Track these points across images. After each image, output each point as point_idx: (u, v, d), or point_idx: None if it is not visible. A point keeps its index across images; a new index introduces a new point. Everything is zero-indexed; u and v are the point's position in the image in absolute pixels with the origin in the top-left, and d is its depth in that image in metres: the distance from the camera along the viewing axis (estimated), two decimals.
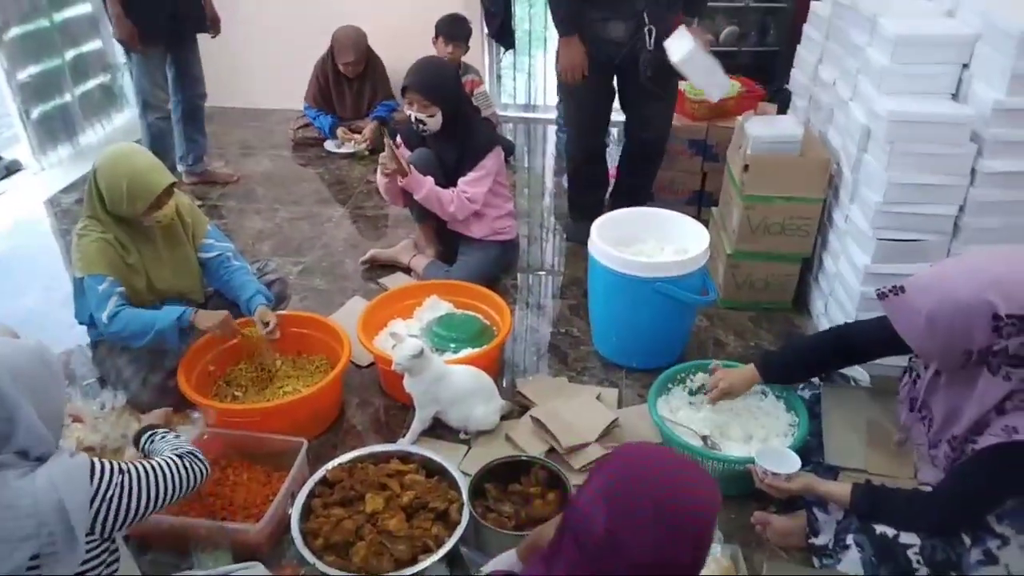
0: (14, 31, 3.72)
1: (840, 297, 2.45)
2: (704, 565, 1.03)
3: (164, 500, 1.45)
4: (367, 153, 4.10)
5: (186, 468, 1.52)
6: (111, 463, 1.39)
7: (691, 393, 2.17)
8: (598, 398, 2.29)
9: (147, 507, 1.41)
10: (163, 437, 1.69)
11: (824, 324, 2.57)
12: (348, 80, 4.20)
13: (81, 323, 2.42)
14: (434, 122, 2.70)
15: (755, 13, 4.05)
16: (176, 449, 1.59)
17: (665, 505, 0.98)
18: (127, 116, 4.59)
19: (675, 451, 1.16)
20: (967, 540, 1.56)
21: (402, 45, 4.12)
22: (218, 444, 2.03)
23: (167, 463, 1.49)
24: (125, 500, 1.37)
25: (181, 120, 3.65)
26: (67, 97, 4.13)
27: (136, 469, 1.42)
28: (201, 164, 3.82)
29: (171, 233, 2.34)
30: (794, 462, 1.78)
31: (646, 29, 2.68)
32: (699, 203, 3.34)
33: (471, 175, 2.77)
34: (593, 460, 2.03)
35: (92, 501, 1.32)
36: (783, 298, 2.73)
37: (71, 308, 2.44)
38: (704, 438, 1.99)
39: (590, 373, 2.48)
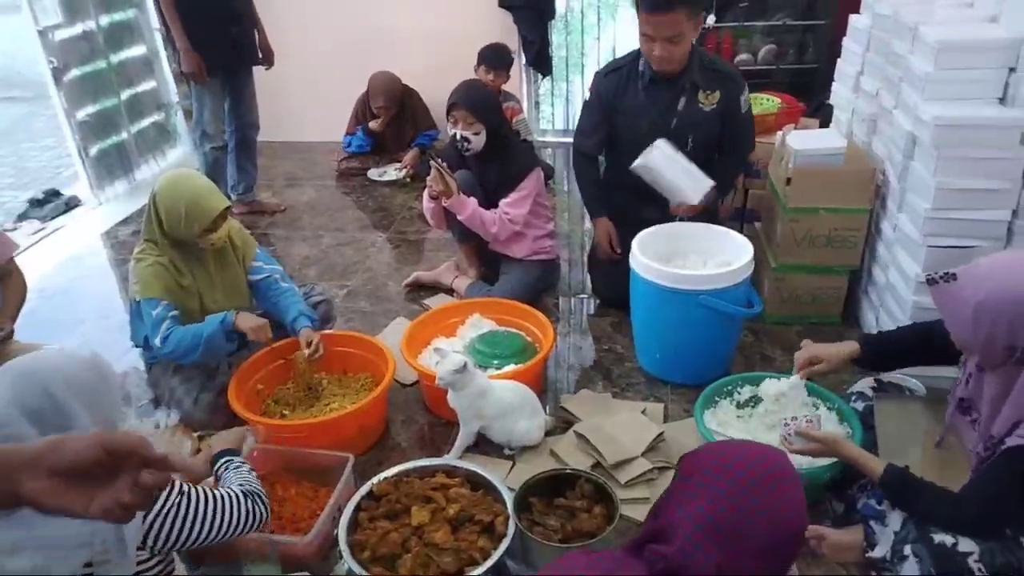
0: (74, 72, 3.92)
1: (892, 308, 2.39)
2: None
3: (219, 533, 1.43)
4: (408, 180, 4.19)
5: (247, 509, 1.49)
6: (174, 482, 1.39)
7: (739, 406, 2.13)
8: (643, 412, 2.27)
9: (200, 534, 1.39)
10: (237, 467, 1.69)
11: None
12: (387, 121, 4.30)
13: (136, 345, 2.50)
14: (478, 140, 2.75)
15: (793, 31, 4.04)
16: (244, 485, 1.57)
17: (775, 532, 1.01)
18: (180, 152, 4.77)
19: (769, 454, 1.13)
20: None
21: (442, 77, 4.21)
22: (267, 460, 2.05)
23: (230, 497, 1.47)
24: (179, 522, 1.37)
25: (235, 150, 3.77)
26: (123, 135, 4.31)
27: (197, 494, 1.41)
28: (251, 194, 3.94)
29: (223, 256, 2.42)
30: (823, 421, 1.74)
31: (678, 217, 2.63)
32: (741, 220, 3.31)
33: (512, 196, 2.80)
34: (640, 474, 2.00)
35: (146, 515, 1.32)
36: (831, 311, 2.68)
37: (126, 333, 2.52)
38: None
39: (634, 389, 2.46)
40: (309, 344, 2.33)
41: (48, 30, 3.76)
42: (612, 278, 2.77)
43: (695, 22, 2.51)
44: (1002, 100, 2.14)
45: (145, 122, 4.50)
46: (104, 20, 4.08)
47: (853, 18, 2.93)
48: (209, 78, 3.44)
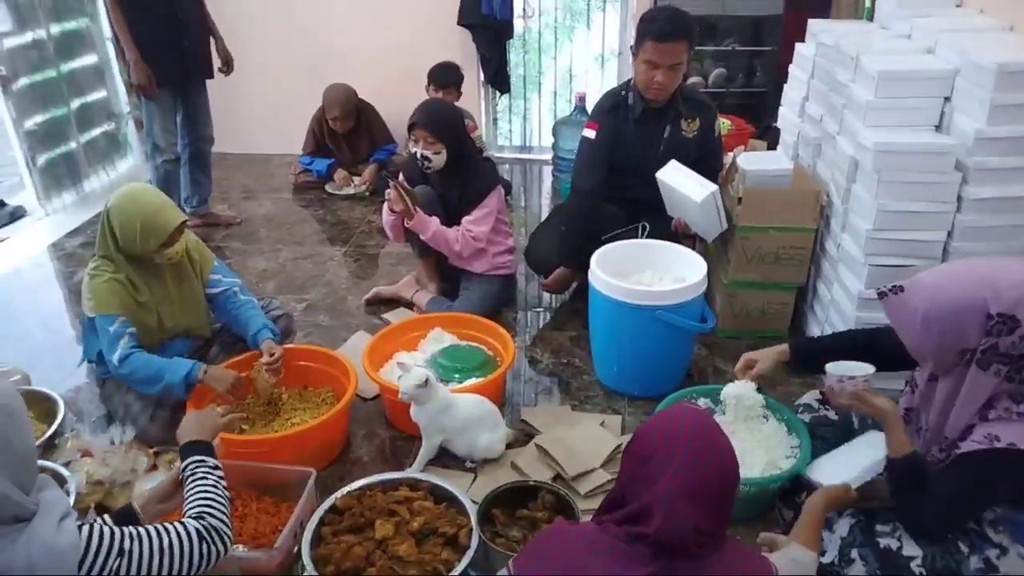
0: (23, 81, 3.82)
1: (836, 323, 2.50)
2: None
3: None
4: (367, 195, 4.19)
5: (200, 553, 1.34)
6: (111, 534, 1.24)
7: None
8: (602, 425, 2.32)
9: None
10: (203, 478, 1.51)
11: None
12: (341, 135, 4.30)
13: (90, 361, 2.45)
14: (439, 160, 2.78)
15: (742, 56, 4.21)
16: (204, 511, 1.41)
17: (725, 478, 1.21)
18: (130, 163, 4.68)
19: (696, 415, 1.26)
20: (965, 549, 1.58)
21: (401, 93, 4.25)
22: (227, 475, 2.01)
23: (180, 541, 1.32)
24: None
25: (188, 163, 3.73)
26: (72, 144, 4.22)
27: (140, 548, 1.26)
28: (205, 206, 3.89)
29: (179, 270, 2.39)
30: (866, 367, 1.77)
31: (640, 224, 2.78)
32: (695, 237, 3.41)
33: (475, 214, 2.84)
34: (599, 484, 2.05)
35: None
36: (779, 326, 2.78)
37: (75, 348, 2.48)
38: None
39: (593, 402, 2.52)
40: (272, 355, 2.32)
41: None
42: (547, 244, 2.98)
43: (690, 54, 2.70)
44: (938, 127, 2.28)
45: (95, 132, 4.40)
46: (55, 28, 4.00)
47: (799, 46, 3.07)
48: (159, 90, 3.39)
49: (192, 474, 1.53)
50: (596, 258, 2.48)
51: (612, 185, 2.85)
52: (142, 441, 2.27)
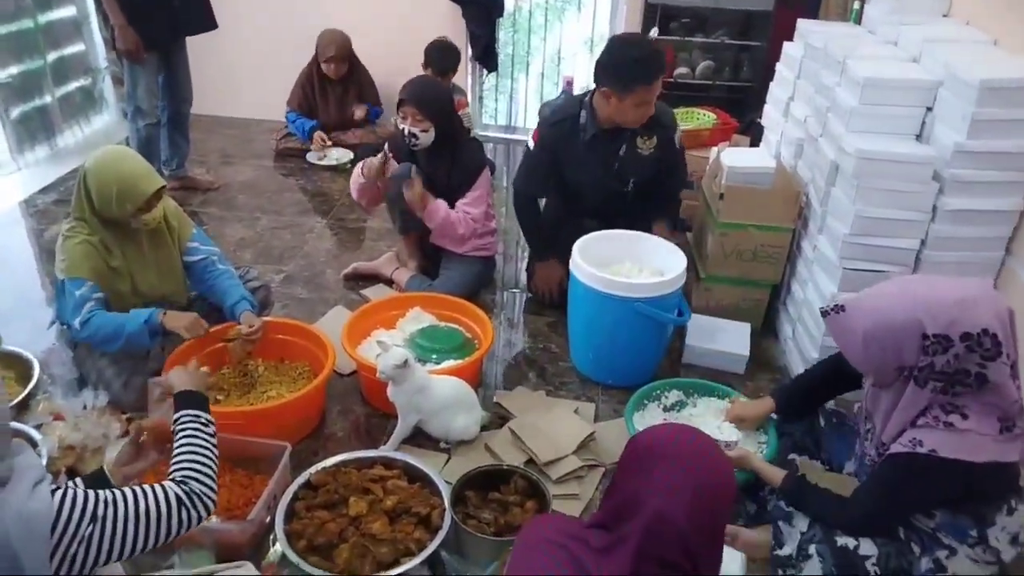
0: None
1: (807, 322, 2.56)
2: None
3: (142, 549, 1.25)
4: (349, 166, 4.15)
5: (178, 519, 1.30)
6: (84, 499, 1.20)
7: (665, 410, 2.25)
8: (576, 412, 2.36)
9: (120, 556, 1.23)
10: (193, 436, 1.45)
11: (791, 348, 2.68)
12: (332, 84, 4.24)
13: (62, 323, 2.42)
14: (426, 137, 2.77)
15: (730, 50, 4.21)
16: (188, 477, 1.37)
17: (723, 500, 1.18)
18: (106, 119, 4.58)
19: (695, 433, 1.25)
20: (916, 549, 1.66)
21: (389, 58, 4.23)
22: None
23: (158, 506, 1.28)
24: (93, 553, 1.19)
25: (167, 124, 3.66)
26: (47, 98, 4.11)
27: (115, 513, 1.22)
28: (183, 169, 3.83)
29: (156, 236, 2.36)
30: (732, 433, 1.98)
31: None
32: (674, 229, 3.45)
33: (470, 195, 2.85)
34: (571, 471, 2.09)
35: (53, 554, 1.15)
36: (752, 322, 2.84)
37: (47, 308, 2.44)
38: None
39: (567, 388, 2.56)
40: (251, 326, 2.32)
41: None
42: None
43: None
44: (918, 137, 2.33)
45: (71, 86, 4.30)
46: None
47: (787, 45, 3.10)
48: (146, 54, 3.30)
49: (183, 429, 1.46)
50: (578, 247, 2.50)
51: (575, 203, 2.88)
52: (115, 406, 2.26)
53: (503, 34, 4.57)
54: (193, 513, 1.33)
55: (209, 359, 2.35)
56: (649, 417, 2.21)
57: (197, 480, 1.38)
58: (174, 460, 1.42)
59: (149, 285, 2.35)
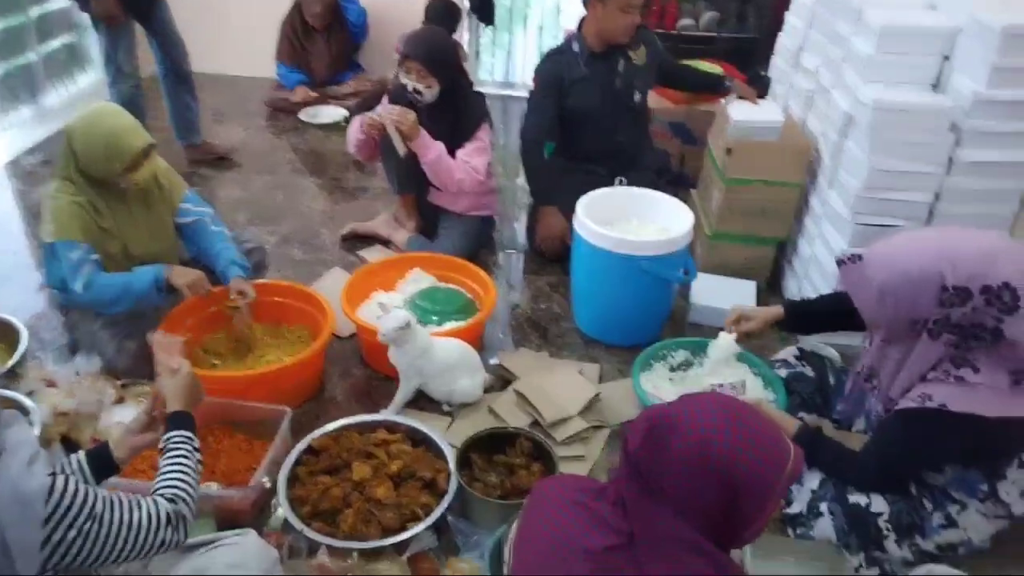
0: None
1: (815, 279, 2.51)
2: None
3: (124, 559, 1.21)
4: (343, 123, 4.05)
5: (163, 538, 1.25)
6: (85, 494, 1.15)
7: (672, 369, 2.21)
8: (580, 372, 2.32)
9: (104, 561, 1.18)
10: (184, 458, 1.38)
11: None
12: (318, 32, 4.13)
13: (52, 287, 2.36)
14: (431, 93, 2.67)
15: (735, 0, 4.09)
16: (177, 496, 1.31)
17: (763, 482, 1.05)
18: (91, 78, 4.44)
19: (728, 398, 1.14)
20: (928, 505, 1.63)
21: (381, 15, 4.09)
22: (199, 411, 1.99)
23: (151, 520, 1.23)
24: (86, 550, 1.14)
25: (172, 88, 3.48)
26: (31, 56, 3.97)
27: (111, 516, 1.18)
28: (199, 135, 3.63)
29: (147, 197, 2.29)
30: (741, 377, 1.95)
31: (617, 180, 2.80)
32: (676, 185, 3.38)
33: (470, 147, 2.75)
34: (576, 432, 2.05)
35: (45, 542, 1.10)
36: (758, 280, 2.78)
37: (34, 272, 2.38)
38: None
39: (571, 348, 2.51)
40: (241, 294, 2.26)
41: None
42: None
43: None
44: (935, 87, 2.24)
45: (55, 43, 4.15)
46: None
47: None
48: (123, 18, 3.14)
49: (174, 449, 1.41)
50: (582, 205, 2.43)
51: (579, 141, 2.88)
52: (109, 371, 2.21)
53: None
54: (175, 537, 1.28)
55: (204, 323, 2.32)
56: (656, 377, 2.17)
57: (185, 503, 1.32)
58: (164, 476, 1.35)
59: (141, 247, 2.28)
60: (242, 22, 4.50)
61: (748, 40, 4.08)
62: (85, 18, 4.31)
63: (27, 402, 1.98)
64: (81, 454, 1.43)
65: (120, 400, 2.13)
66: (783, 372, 2.11)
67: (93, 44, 4.42)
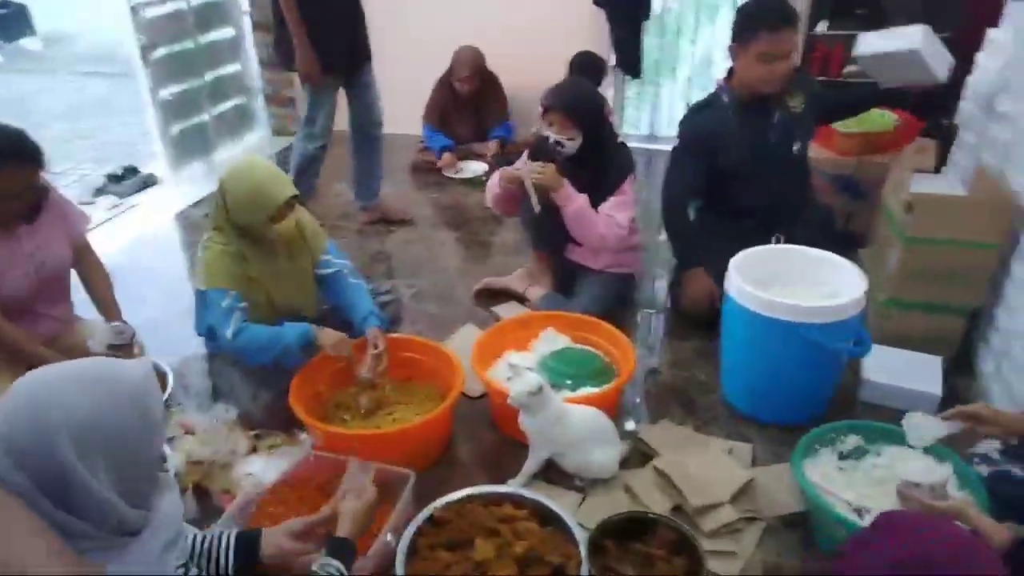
0: (161, 51, 3.91)
1: (1018, 357, 2.12)
2: None
3: None
4: (484, 179, 4.05)
5: None
6: None
7: (841, 457, 1.90)
8: (729, 452, 2.07)
9: None
10: None
11: (994, 386, 2.24)
12: (465, 100, 4.21)
13: (200, 335, 2.43)
14: (572, 145, 2.58)
15: None
16: None
17: None
18: (258, 136, 4.76)
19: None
20: None
21: (524, 70, 4.10)
22: (324, 468, 1.94)
23: None
24: None
25: (359, 152, 3.53)
26: (205, 116, 4.30)
27: None
28: (377, 199, 3.68)
29: (291, 248, 2.34)
30: (942, 469, 1.58)
31: (775, 237, 2.59)
32: (843, 244, 3.06)
33: (613, 200, 2.62)
34: (727, 523, 1.80)
35: None
36: (944, 354, 2.41)
37: (191, 319, 2.45)
38: (858, 510, 1.72)
39: (718, 424, 2.26)
40: (375, 347, 2.22)
41: (139, 7, 3.76)
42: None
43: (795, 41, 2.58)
44: None
45: (227, 105, 4.49)
46: (195, 0, 4.07)
47: (992, 32, 2.65)
48: (328, 77, 3.21)
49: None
50: (735, 264, 2.21)
51: (730, 197, 2.66)
52: (244, 421, 2.21)
53: (648, 39, 4.30)
54: None
55: (336, 377, 2.29)
56: (822, 465, 1.87)
57: None
58: None
59: (283, 296, 2.32)
60: (387, 83, 4.65)
61: (926, 91, 3.69)
62: (255, 81, 4.69)
63: (166, 450, 2.00)
64: (233, 535, 1.42)
65: (252, 450, 2.12)
66: (983, 469, 1.76)
67: (260, 105, 4.76)
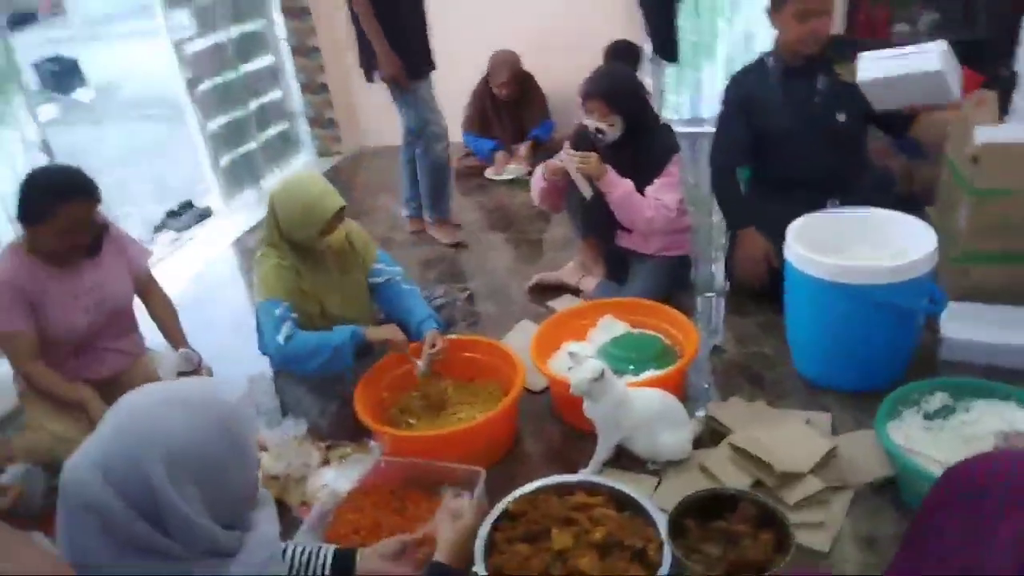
0: (206, 84, 4.02)
1: None
2: None
3: None
4: (527, 177, 4.04)
5: None
6: None
7: (927, 417, 1.82)
8: (808, 423, 1.99)
9: None
10: None
11: None
12: (504, 104, 4.21)
13: (264, 353, 2.47)
14: (613, 132, 2.55)
15: None
16: None
17: None
18: (304, 159, 4.86)
19: None
20: None
21: (566, 68, 4.07)
22: (395, 473, 1.94)
23: None
24: None
25: (414, 160, 3.49)
26: (252, 144, 4.41)
27: None
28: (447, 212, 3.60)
29: (342, 259, 2.36)
30: None
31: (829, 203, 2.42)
32: (905, 205, 2.94)
33: (659, 182, 2.58)
34: (812, 493, 1.73)
35: None
36: (1022, 304, 2.28)
37: (253, 340, 2.50)
38: None
39: (792, 397, 2.18)
40: (434, 345, 2.22)
41: (182, 43, 3.87)
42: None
43: None
44: None
45: (272, 131, 4.59)
46: (235, 31, 4.18)
47: None
48: (415, 82, 3.22)
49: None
50: (793, 231, 2.14)
51: (776, 166, 2.59)
52: (314, 434, 2.23)
53: (683, 21, 4.22)
54: None
55: (399, 381, 2.29)
56: (907, 426, 1.79)
57: None
58: None
59: (337, 308, 2.34)
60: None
61: (978, 42, 3.54)
62: (297, 105, 4.78)
63: None
64: (331, 552, 1.44)
65: (325, 462, 2.14)
66: None
67: (303, 129, 4.85)
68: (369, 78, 3.27)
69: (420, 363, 2.23)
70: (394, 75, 3.15)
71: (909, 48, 2.20)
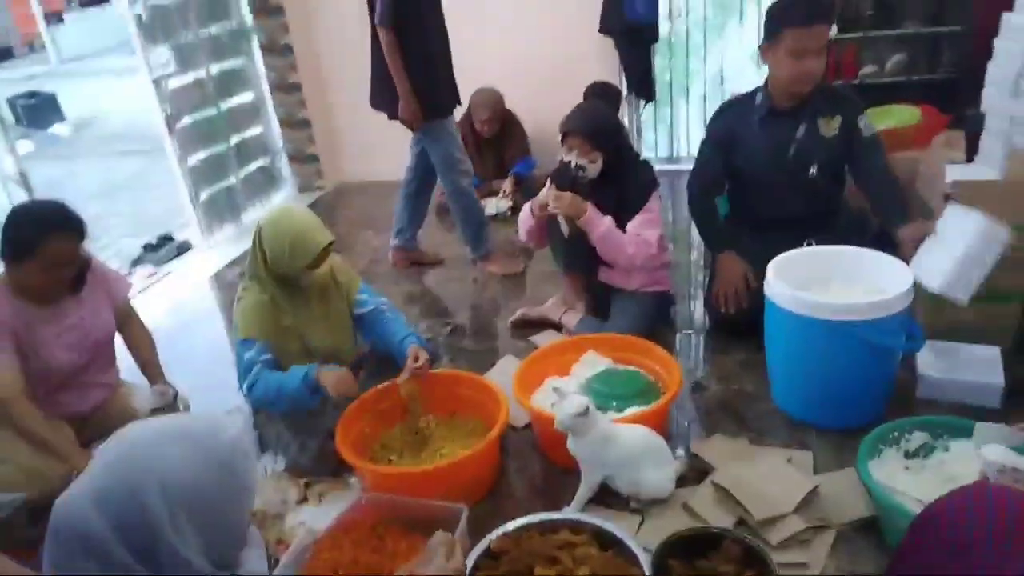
0: (185, 120, 4.02)
1: None
2: None
3: None
4: (509, 214, 4.07)
5: None
6: None
7: (907, 455, 1.83)
8: (789, 461, 2.00)
9: None
10: None
11: None
12: (486, 141, 4.25)
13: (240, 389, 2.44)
14: (594, 168, 2.58)
15: (925, 40, 3.72)
16: None
17: None
18: (284, 194, 4.85)
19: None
20: None
21: (542, 106, 4.14)
22: (375, 510, 1.91)
23: None
24: None
25: (416, 195, 3.53)
26: (232, 179, 4.39)
27: None
28: (415, 241, 3.69)
29: (325, 292, 2.36)
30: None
31: (805, 242, 2.41)
32: (881, 243, 2.99)
33: (639, 218, 2.60)
34: (794, 533, 1.73)
35: None
36: (1001, 343, 2.32)
37: (234, 374, 2.47)
38: None
39: (773, 434, 2.19)
40: (416, 359, 2.21)
41: (162, 79, 3.87)
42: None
43: (828, 37, 2.46)
44: None
45: (252, 167, 4.58)
46: (215, 68, 4.19)
47: (1008, 17, 2.60)
48: (441, 120, 3.22)
49: None
50: (773, 268, 2.17)
51: (751, 206, 2.65)
52: (293, 471, 2.20)
53: (659, 60, 4.33)
54: None
55: (380, 417, 2.27)
56: (888, 465, 1.80)
57: None
58: None
59: (319, 341, 2.34)
60: (404, 131, 4.73)
61: (943, 82, 3.67)
62: (277, 141, 4.79)
63: None
64: None
65: (304, 500, 2.11)
66: None
67: (283, 164, 4.86)
68: (390, 115, 3.21)
69: (403, 384, 2.22)
70: (410, 119, 3.14)
71: (937, 226, 2.14)
